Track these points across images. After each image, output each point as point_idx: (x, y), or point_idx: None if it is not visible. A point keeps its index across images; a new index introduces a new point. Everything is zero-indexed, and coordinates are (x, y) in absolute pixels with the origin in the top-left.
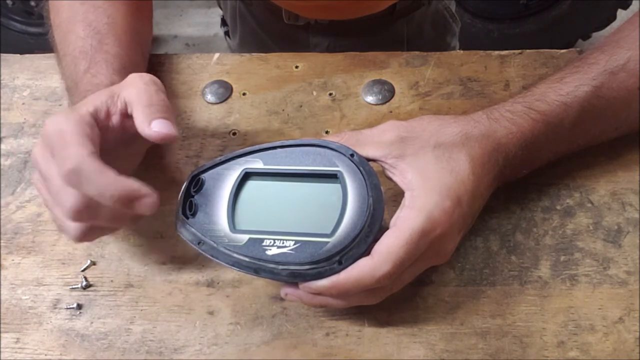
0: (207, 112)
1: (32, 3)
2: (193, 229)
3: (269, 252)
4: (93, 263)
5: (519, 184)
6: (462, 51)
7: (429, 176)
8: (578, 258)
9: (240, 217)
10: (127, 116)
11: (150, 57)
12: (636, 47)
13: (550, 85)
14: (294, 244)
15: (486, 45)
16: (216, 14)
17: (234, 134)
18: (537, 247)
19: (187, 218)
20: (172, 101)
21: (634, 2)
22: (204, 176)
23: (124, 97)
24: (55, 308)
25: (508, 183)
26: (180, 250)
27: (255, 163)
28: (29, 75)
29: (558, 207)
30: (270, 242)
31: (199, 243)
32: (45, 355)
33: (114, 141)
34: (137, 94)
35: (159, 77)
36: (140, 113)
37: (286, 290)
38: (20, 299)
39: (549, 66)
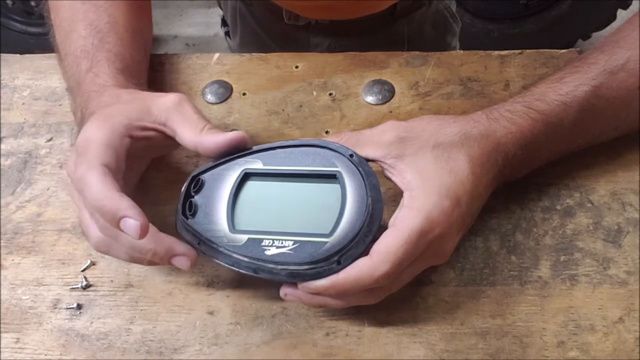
0: (207, 112)
1: (32, 3)
2: (193, 229)
3: (268, 252)
4: (93, 263)
5: (519, 184)
6: (462, 51)
7: (428, 176)
8: (578, 258)
9: (239, 218)
10: (155, 131)
11: (151, 57)
12: (636, 47)
13: (549, 85)
14: (293, 244)
15: (486, 45)
16: (216, 14)
17: None
18: (537, 247)
19: (187, 218)
20: None
21: (634, 2)
22: (204, 176)
23: (163, 117)
24: (55, 308)
25: (508, 183)
26: None
27: (255, 163)
28: (29, 75)
29: (558, 207)
30: (270, 242)
31: (198, 243)
32: (45, 355)
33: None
34: (182, 116)
35: (159, 77)
36: (195, 131)
37: (285, 291)
38: (20, 299)
39: (549, 66)
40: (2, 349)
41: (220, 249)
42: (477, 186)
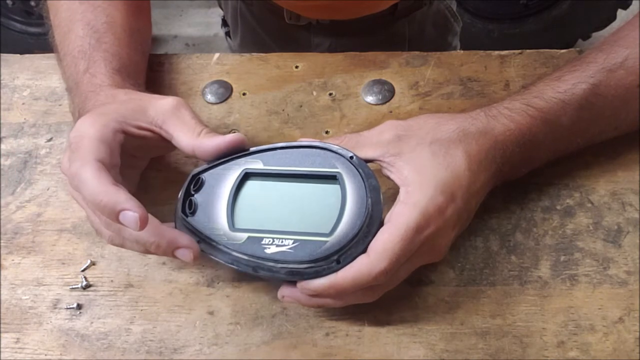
0: (207, 112)
1: (32, 3)
2: (192, 227)
3: (267, 251)
4: (93, 263)
5: (519, 183)
6: (462, 51)
7: (425, 172)
8: (578, 258)
9: (239, 216)
10: (151, 132)
11: (150, 57)
12: (635, 46)
13: (548, 83)
14: (293, 243)
15: (486, 45)
16: (216, 14)
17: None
18: (537, 247)
19: (187, 216)
20: None
21: (634, 2)
22: (204, 176)
23: (160, 119)
24: (55, 308)
25: (507, 182)
26: None
27: (255, 163)
28: (29, 75)
29: (558, 207)
30: (269, 241)
31: (198, 241)
32: (45, 355)
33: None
34: (179, 120)
35: (159, 77)
36: (193, 135)
37: (283, 292)
38: (20, 299)
39: (548, 66)
40: (2, 349)
41: (220, 247)
42: (474, 182)
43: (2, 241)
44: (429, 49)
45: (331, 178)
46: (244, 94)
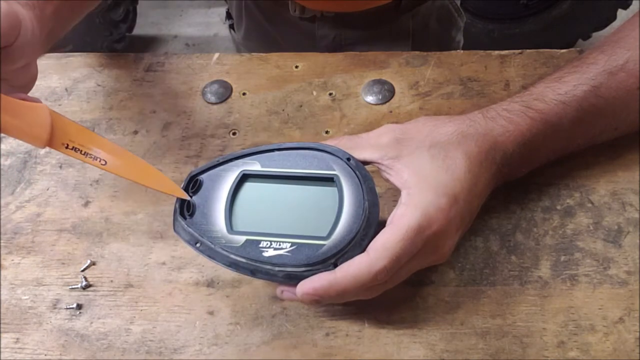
0: (207, 112)
1: None
2: (190, 229)
3: (265, 254)
4: (93, 263)
5: (519, 184)
6: (462, 51)
7: (425, 174)
8: (578, 258)
9: (237, 219)
10: None
11: (150, 57)
12: (636, 47)
13: (548, 84)
14: (291, 246)
15: (486, 45)
16: (216, 14)
17: (234, 134)
18: (537, 247)
19: (185, 218)
20: (172, 101)
21: (634, 2)
22: (202, 177)
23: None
24: (55, 308)
25: (508, 183)
26: (180, 250)
27: (253, 165)
28: None
29: (558, 207)
30: (267, 244)
31: (196, 243)
32: (45, 355)
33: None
34: None
35: (159, 77)
36: None
37: (282, 288)
38: (20, 299)
39: (549, 66)
40: (2, 349)
41: (218, 249)
42: (476, 184)
43: (2, 241)
44: (432, 44)
45: (328, 180)
46: (244, 94)
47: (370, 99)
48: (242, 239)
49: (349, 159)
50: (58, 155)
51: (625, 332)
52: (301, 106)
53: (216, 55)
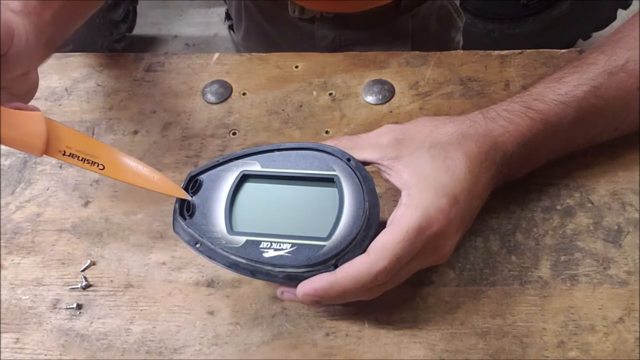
0: (207, 112)
1: None
2: (190, 230)
3: (265, 255)
4: (93, 263)
5: (519, 184)
6: (462, 51)
7: (425, 175)
8: (578, 258)
9: (237, 219)
10: None
11: (150, 57)
12: (636, 48)
13: (548, 84)
14: (291, 247)
15: (486, 45)
16: (216, 14)
17: (234, 134)
18: (537, 247)
19: (185, 219)
20: (172, 101)
21: (634, 2)
22: (202, 177)
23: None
24: (55, 308)
25: (508, 183)
26: (180, 250)
27: (253, 165)
28: None
29: (558, 207)
30: (267, 245)
31: (196, 244)
32: (45, 355)
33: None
34: None
35: (159, 77)
36: None
37: (282, 289)
38: (20, 299)
39: (549, 66)
40: (2, 349)
41: (218, 250)
42: (476, 184)
43: (2, 241)
44: (432, 44)
45: (329, 181)
46: (244, 94)
47: (370, 99)
48: (242, 239)
49: (349, 160)
50: None
51: (625, 332)
52: (301, 106)
53: (216, 55)
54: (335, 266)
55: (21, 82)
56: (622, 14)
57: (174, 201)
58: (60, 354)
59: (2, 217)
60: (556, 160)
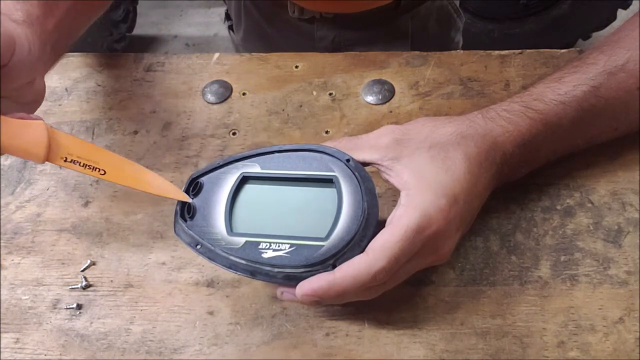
0: (207, 112)
1: None
2: (191, 232)
3: (264, 255)
4: (93, 263)
5: (519, 184)
6: (462, 51)
7: (425, 175)
8: (578, 258)
9: (237, 220)
10: None
11: (150, 57)
12: (636, 48)
13: (548, 84)
14: (290, 247)
15: (486, 45)
16: (216, 14)
17: (234, 134)
18: (537, 247)
19: (186, 221)
20: (172, 101)
21: (634, 2)
22: (203, 179)
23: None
24: (55, 308)
25: (508, 183)
26: (180, 250)
27: (253, 167)
28: None
29: (558, 207)
30: (266, 245)
31: (196, 245)
32: (45, 355)
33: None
34: None
35: (159, 77)
36: None
37: (282, 289)
38: (20, 299)
39: (549, 66)
40: (2, 349)
41: (218, 251)
42: (475, 184)
43: (2, 241)
44: (431, 45)
45: (328, 182)
46: (244, 94)
47: (370, 99)
48: (242, 240)
49: (348, 160)
50: None
51: (625, 332)
52: (301, 106)
53: (216, 55)
54: (334, 266)
55: (27, 91)
56: (622, 14)
57: (175, 202)
58: (60, 354)
59: (2, 217)
60: (556, 160)
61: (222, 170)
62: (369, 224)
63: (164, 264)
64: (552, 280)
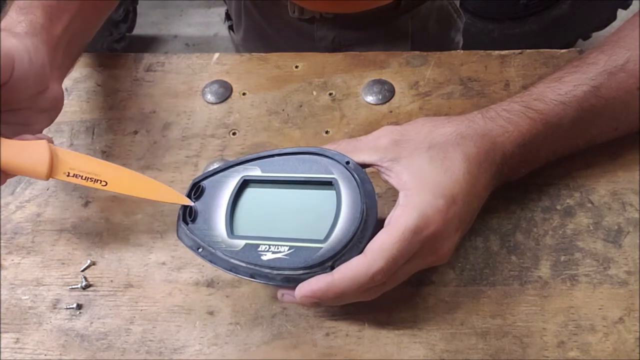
0: (207, 112)
1: None
2: (192, 235)
3: (264, 258)
4: (93, 263)
5: (519, 184)
6: (462, 51)
7: (424, 176)
8: (578, 258)
9: (237, 223)
10: None
11: (150, 57)
12: (636, 48)
13: (548, 84)
14: (288, 250)
15: (486, 45)
16: (216, 14)
17: (234, 134)
18: (537, 247)
19: (187, 224)
20: (172, 101)
21: (634, 2)
22: (204, 183)
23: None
24: (55, 308)
25: (508, 183)
26: (180, 250)
27: (254, 171)
28: None
29: (558, 207)
30: (266, 248)
31: (198, 249)
32: (45, 355)
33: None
34: None
35: (159, 77)
36: None
37: (282, 291)
38: (20, 299)
39: (549, 66)
40: (2, 349)
41: (219, 254)
42: (475, 185)
43: (2, 241)
44: (431, 45)
45: (327, 184)
46: (244, 94)
47: (370, 99)
48: (242, 243)
49: (347, 163)
50: None
51: (625, 332)
52: (301, 106)
53: (216, 55)
54: (332, 268)
55: (41, 99)
56: (622, 14)
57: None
58: (60, 354)
59: (2, 217)
60: (556, 160)
61: (223, 174)
62: (368, 225)
63: (164, 264)
64: (552, 280)
